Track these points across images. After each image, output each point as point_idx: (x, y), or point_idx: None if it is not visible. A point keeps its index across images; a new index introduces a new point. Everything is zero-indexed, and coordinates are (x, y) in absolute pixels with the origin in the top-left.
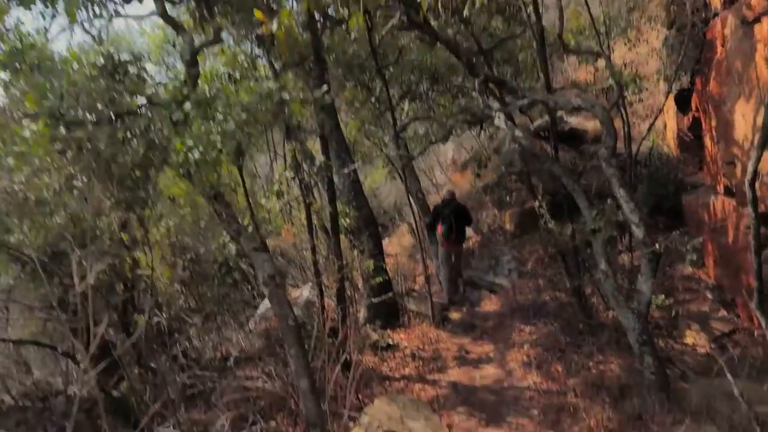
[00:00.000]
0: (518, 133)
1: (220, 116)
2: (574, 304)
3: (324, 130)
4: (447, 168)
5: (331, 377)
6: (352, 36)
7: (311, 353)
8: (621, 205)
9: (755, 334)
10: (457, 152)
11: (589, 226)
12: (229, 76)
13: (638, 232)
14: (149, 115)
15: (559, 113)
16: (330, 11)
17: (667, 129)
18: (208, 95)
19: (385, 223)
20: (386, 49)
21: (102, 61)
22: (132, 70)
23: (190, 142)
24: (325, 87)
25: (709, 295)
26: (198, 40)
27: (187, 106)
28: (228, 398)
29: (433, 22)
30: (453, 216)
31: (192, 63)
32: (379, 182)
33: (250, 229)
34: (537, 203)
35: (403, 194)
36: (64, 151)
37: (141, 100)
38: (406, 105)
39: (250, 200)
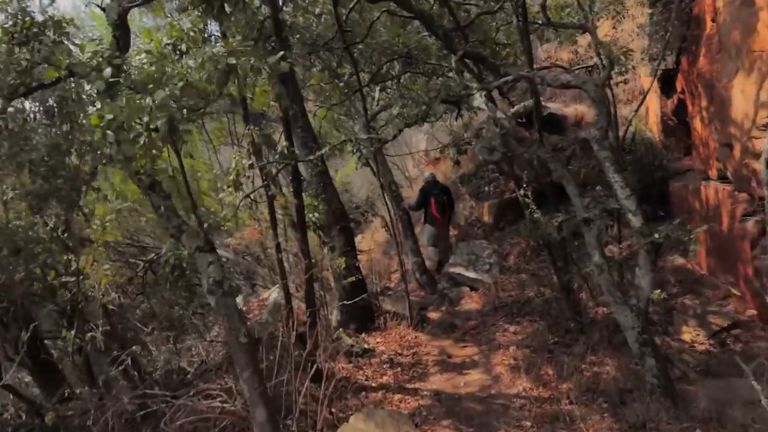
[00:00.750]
0: (500, 114)
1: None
2: (562, 301)
3: (287, 114)
4: (419, 161)
5: (300, 390)
6: (317, 11)
7: (276, 364)
8: (615, 191)
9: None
10: (430, 144)
11: (580, 215)
12: (174, 47)
13: (635, 221)
14: (66, 87)
15: None
16: None
17: (649, 113)
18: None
19: (357, 219)
20: (354, 28)
21: (10, 23)
22: (49, 34)
23: (109, 116)
24: (281, 53)
25: (703, 288)
26: None
27: (107, 72)
28: (181, 421)
29: None
30: (444, 195)
31: (120, 24)
32: (351, 176)
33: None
34: (522, 192)
35: (375, 188)
36: None
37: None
38: (377, 93)
39: (191, 191)
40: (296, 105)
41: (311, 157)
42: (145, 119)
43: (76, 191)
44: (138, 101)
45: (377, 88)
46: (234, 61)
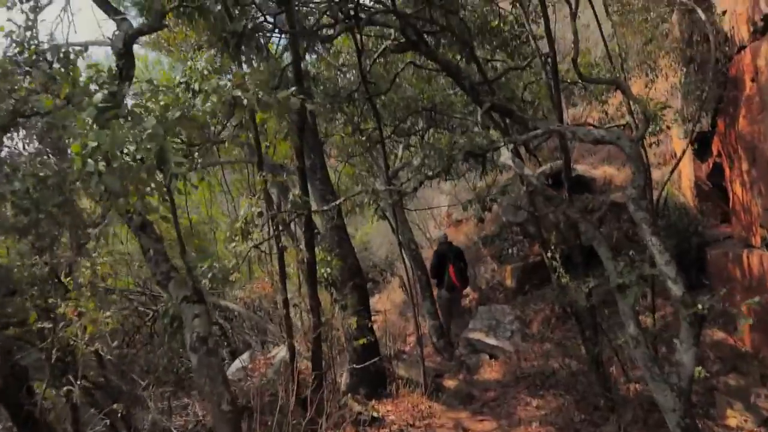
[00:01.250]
0: (527, 171)
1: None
2: (590, 374)
3: (302, 161)
4: (441, 222)
5: None
6: (340, 60)
7: (273, 431)
8: (653, 255)
9: None
10: (451, 207)
11: (614, 281)
12: (187, 85)
13: (675, 289)
14: (55, 115)
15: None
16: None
17: (682, 177)
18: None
19: (374, 278)
20: (378, 81)
21: (16, 49)
22: (52, 61)
23: (92, 143)
24: (293, 89)
25: (748, 366)
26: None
27: (98, 97)
28: None
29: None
30: (460, 259)
31: (124, 53)
32: (370, 234)
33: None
34: (549, 254)
35: (394, 247)
36: None
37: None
38: (400, 150)
39: (182, 235)
40: (315, 156)
41: (326, 208)
42: (132, 148)
43: (57, 226)
44: (126, 130)
45: (401, 146)
46: (239, 94)
